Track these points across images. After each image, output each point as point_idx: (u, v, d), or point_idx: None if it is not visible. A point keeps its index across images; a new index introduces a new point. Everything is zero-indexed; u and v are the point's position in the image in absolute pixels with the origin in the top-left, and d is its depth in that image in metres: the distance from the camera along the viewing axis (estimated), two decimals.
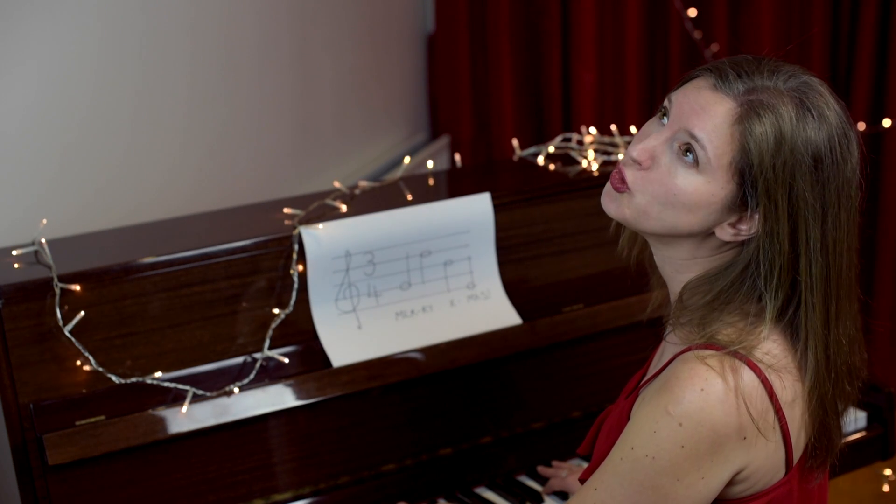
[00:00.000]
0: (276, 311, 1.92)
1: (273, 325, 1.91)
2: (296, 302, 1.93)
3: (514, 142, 2.53)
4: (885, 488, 2.63)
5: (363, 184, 2.16)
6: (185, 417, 1.81)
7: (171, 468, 1.82)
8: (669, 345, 1.53)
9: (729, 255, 1.46)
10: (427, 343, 1.99)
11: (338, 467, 1.93)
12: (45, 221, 1.93)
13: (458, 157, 3.01)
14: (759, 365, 1.40)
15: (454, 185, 2.37)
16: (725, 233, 1.44)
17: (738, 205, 1.41)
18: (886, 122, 3.53)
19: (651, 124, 1.47)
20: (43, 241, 1.85)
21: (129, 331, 1.83)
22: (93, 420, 1.77)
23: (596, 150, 2.33)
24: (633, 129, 2.43)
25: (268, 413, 1.87)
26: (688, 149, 1.41)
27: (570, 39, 3.66)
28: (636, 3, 3.64)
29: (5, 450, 1.77)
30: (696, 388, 1.38)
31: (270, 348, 1.91)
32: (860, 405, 2.20)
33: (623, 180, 1.45)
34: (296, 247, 1.93)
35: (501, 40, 3.63)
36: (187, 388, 1.83)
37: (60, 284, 1.76)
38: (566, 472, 2.00)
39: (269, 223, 1.98)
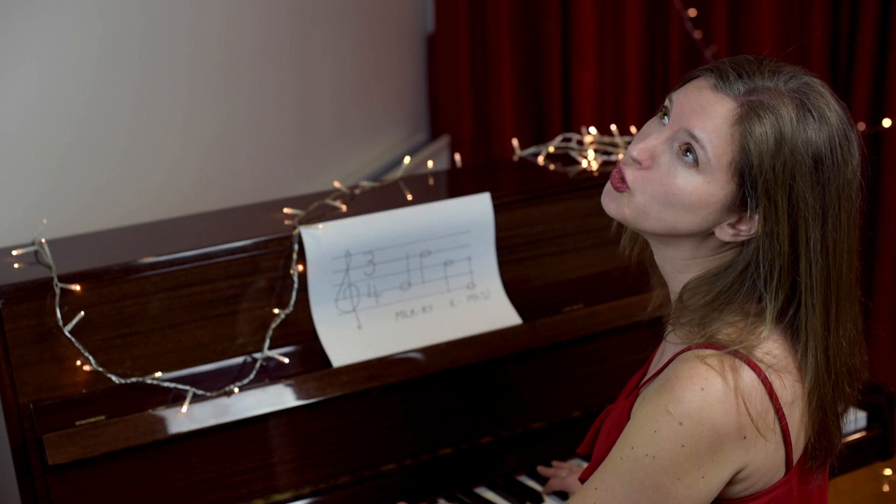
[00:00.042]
0: (276, 311, 1.92)
1: (273, 325, 1.91)
2: (296, 302, 1.93)
3: (514, 142, 2.53)
4: (885, 488, 2.63)
5: (363, 184, 2.16)
6: (185, 417, 1.81)
7: (171, 468, 1.82)
8: (669, 344, 1.53)
9: (729, 256, 1.46)
10: (427, 343, 1.99)
11: (338, 467, 1.93)
12: (45, 221, 1.93)
13: (458, 157, 3.01)
14: (760, 365, 1.40)
15: (454, 185, 2.37)
16: (725, 233, 1.44)
17: (738, 205, 1.41)
18: (886, 122, 3.53)
19: (652, 124, 1.47)
20: (43, 241, 1.85)
21: (129, 331, 1.83)
22: (93, 420, 1.77)
23: (596, 150, 2.33)
24: (633, 129, 2.44)
25: (268, 413, 1.87)
26: (688, 149, 1.41)
27: (570, 39, 3.66)
28: (636, 3, 3.64)
29: (5, 450, 1.77)
30: (697, 387, 1.38)
31: (270, 348, 1.91)
32: (860, 405, 2.20)
33: (623, 180, 1.45)
34: (296, 247, 1.93)
35: (501, 40, 3.63)
36: (187, 388, 1.83)
37: (60, 284, 1.76)
38: (566, 472, 2.00)
39: (269, 223, 1.98)
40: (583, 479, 1.55)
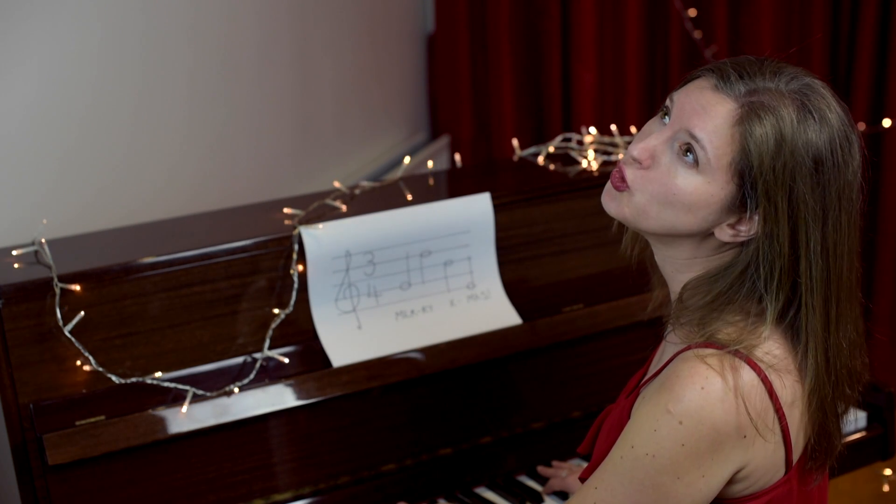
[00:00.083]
0: (276, 311, 1.92)
1: (273, 325, 1.91)
2: (296, 302, 1.93)
3: (514, 142, 2.53)
4: (885, 488, 2.63)
5: (363, 184, 2.16)
6: (185, 417, 1.81)
7: (171, 468, 1.82)
8: (670, 344, 1.53)
9: (729, 256, 1.46)
10: (427, 343, 1.99)
11: (338, 467, 1.93)
12: (45, 221, 1.93)
13: (458, 157, 3.01)
14: (760, 364, 1.40)
15: (454, 185, 2.37)
16: (724, 233, 1.44)
17: (738, 206, 1.41)
18: (886, 122, 3.53)
19: (652, 123, 1.47)
20: (43, 241, 1.85)
21: (129, 331, 1.83)
22: (93, 420, 1.77)
23: (596, 150, 2.33)
24: (633, 129, 2.44)
25: (268, 413, 1.87)
26: (688, 149, 1.41)
27: (570, 39, 3.66)
28: (636, 3, 3.64)
29: (5, 450, 1.77)
30: (697, 386, 1.38)
31: (270, 348, 1.91)
32: (860, 405, 2.20)
33: (623, 179, 1.45)
34: (296, 247, 1.93)
35: (501, 40, 3.63)
36: (187, 388, 1.83)
37: (60, 284, 1.76)
38: (566, 472, 2.00)
39: (269, 223, 1.98)
40: (583, 479, 1.55)
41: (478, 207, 2.07)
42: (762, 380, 1.40)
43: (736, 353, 1.40)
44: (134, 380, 1.81)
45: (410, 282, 2.04)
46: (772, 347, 1.42)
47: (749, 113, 1.38)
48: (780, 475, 1.45)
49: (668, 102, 1.45)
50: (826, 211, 1.39)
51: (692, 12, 3.59)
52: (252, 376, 1.88)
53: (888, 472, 2.58)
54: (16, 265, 1.82)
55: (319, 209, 2.02)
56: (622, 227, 1.61)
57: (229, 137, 2.70)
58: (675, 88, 1.47)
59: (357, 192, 2.13)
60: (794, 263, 1.41)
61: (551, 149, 2.37)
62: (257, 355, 1.90)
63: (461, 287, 2.08)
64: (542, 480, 2.04)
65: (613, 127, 2.46)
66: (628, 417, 1.48)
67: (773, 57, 1.45)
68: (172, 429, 1.80)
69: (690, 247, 1.48)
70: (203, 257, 1.87)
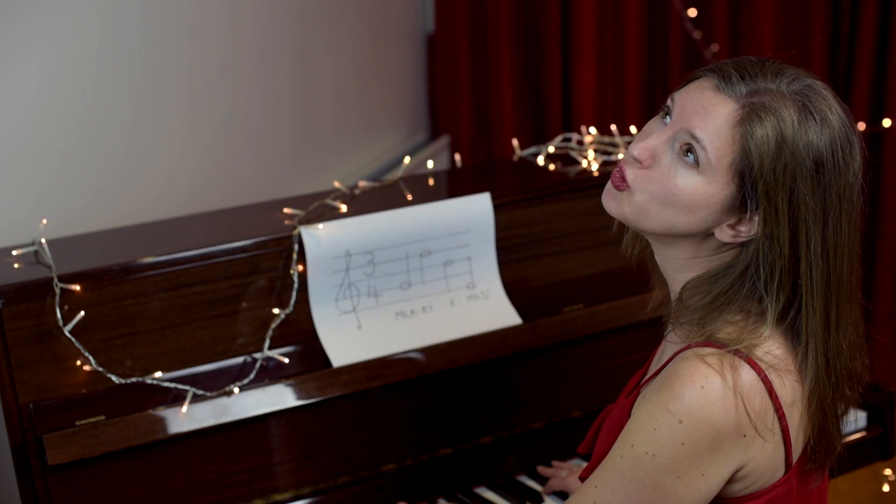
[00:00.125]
0: (276, 311, 1.92)
1: (273, 325, 1.91)
2: (296, 302, 1.93)
3: (514, 142, 2.53)
4: (885, 488, 2.63)
5: (363, 184, 2.16)
6: (185, 417, 1.81)
7: (171, 468, 1.82)
8: (670, 344, 1.53)
9: (729, 256, 1.46)
10: (427, 343, 1.99)
11: (338, 467, 1.93)
12: (45, 221, 1.93)
13: (458, 157, 3.01)
14: (760, 364, 1.40)
15: (454, 185, 2.37)
16: (724, 234, 1.44)
17: (738, 206, 1.41)
18: (886, 122, 3.53)
19: (653, 123, 1.47)
20: (43, 241, 1.85)
21: (129, 331, 1.83)
22: (93, 420, 1.77)
23: (596, 150, 2.33)
24: (633, 129, 2.44)
25: (268, 413, 1.87)
26: (689, 149, 1.41)
27: (570, 39, 3.66)
28: (636, 3, 3.64)
29: (5, 450, 1.77)
30: (697, 385, 1.38)
31: (270, 348, 1.91)
32: (860, 405, 2.20)
33: (623, 178, 1.45)
34: (296, 247, 1.93)
35: (501, 40, 3.63)
36: (187, 388, 1.83)
37: (60, 284, 1.76)
38: (566, 472, 2.00)
39: (269, 223, 1.98)
40: (583, 478, 1.55)
41: (478, 207, 2.07)
42: (762, 379, 1.40)
43: (736, 353, 1.40)
44: (134, 380, 1.81)
45: (410, 282, 2.04)
46: (772, 347, 1.42)
47: (750, 114, 1.38)
48: (780, 475, 1.45)
49: (669, 102, 1.45)
50: (826, 212, 1.39)
51: (692, 12, 3.59)
52: (252, 376, 1.88)
53: (888, 472, 2.58)
54: (16, 265, 1.82)
55: (319, 209, 2.02)
56: (622, 226, 1.61)
57: (229, 137, 2.70)
58: (676, 88, 1.46)
59: (357, 192, 2.13)
60: (794, 265, 1.41)
61: (551, 149, 2.37)
62: (257, 355, 1.90)
63: (461, 287, 2.08)
64: (542, 480, 2.04)
65: (613, 127, 2.46)
66: (628, 417, 1.48)
67: (774, 58, 1.45)
68: (172, 429, 1.80)
69: (690, 247, 1.48)
70: (203, 257, 1.87)
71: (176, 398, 1.83)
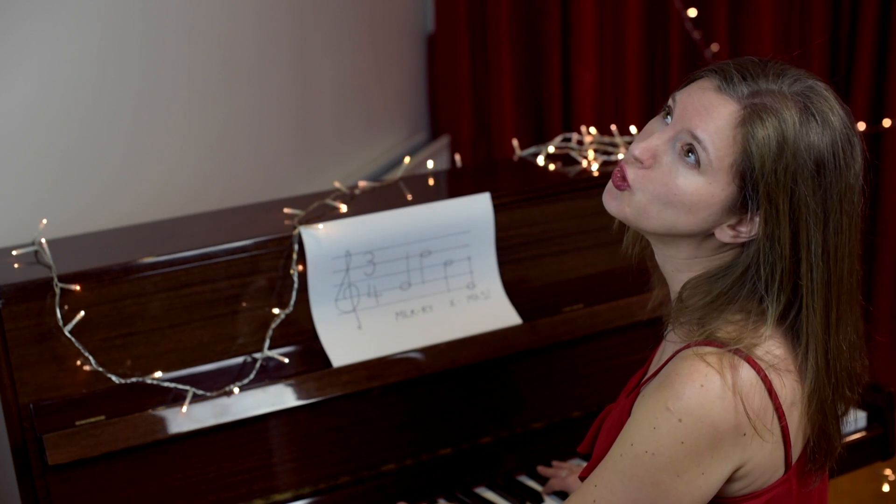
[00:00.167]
0: (276, 311, 1.92)
1: (273, 325, 1.91)
2: (296, 302, 1.93)
3: (514, 142, 2.53)
4: (885, 488, 2.63)
5: (363, 184, 2.16)
6: (185, 417, 1.81)
7: (171, 468, 1.82)
8: (669, 343, 1.53)
9: (730, 256, 1.46)
10: (427, 343, 1.99)
11: (338, 467, 1.93)
12: (45, 221, 1.93)
13: (458, 157, 3.01)
14: (760, 363, 1.40)
15: (454, 185, 2.37)
16: (725, 234, 1.44)
17: (739, 207, 1.41)
18: (886, 123, 3.53)
19: (654, 123, 1.47)
20: (43, 241, 1.85)
21: (129, 331, 1.83)
22: (93, 420, 1.77)
23: (596, 150, 2.33)
24: (633, 129, 2.43)
25: (268, 413, 1.87)
26: (690, 149, 1.41)
27: (570, 39, 3.66)
28: (636, 3, 3.64)
29: (5, 450, 1.77)
30: (696, 384, 1.38)
31: (270, 348, 1.91)
32: (860, 405, 2.20)
33: (624, 178, 1.45)
34: (296, 247, 1.93)
35: (501, 40, 3.63)
36: (187, 388, 1.83)
37: (60, 284, 1.76)
38: (566, 472, 2.00)
39: (269, 223, 1.98)
40: (583, 478, 1.55)
41: (478, 207, 2.07)
42: (762, 378, 1.40)
43: (736, 352, 1.40)
44: (134, 380, 1.81)
45: (410, 282, 2.04)
46: (772, 347, 1.43)
47: (752, 115, 1.38)
48: (780, 474, 1.45)
49: (670, 102, 1.45)
50: (827, 213, 1.39)
51: (692, 12, 3.59)
52: (252, 376, 1.88)
53: (888, 472, 2.58)
54: (16, 265, 1.82)
55: (319, 209, 2.02)
56: (623, 226, 1.61)
57: (229, 137, 2.70)
58: (677, 88, 1.46)
59: (357, 192, 2.13)
60: (795, 266, 1.41)
61: (551, 149, 2.37)
62: (257, 355, 1.90)
63: (461, 287, 2.08)
64: (542, 480, 2.04)
65: (613, 127, 2.46)
66: (628, 416, 1.48)
67: (775, 58, 1.45)
68: (172, 429, 1.80)
69: (691, 247, 1.48)
70: (203, 257, 1.87)
71: (176, 398, 1.83)
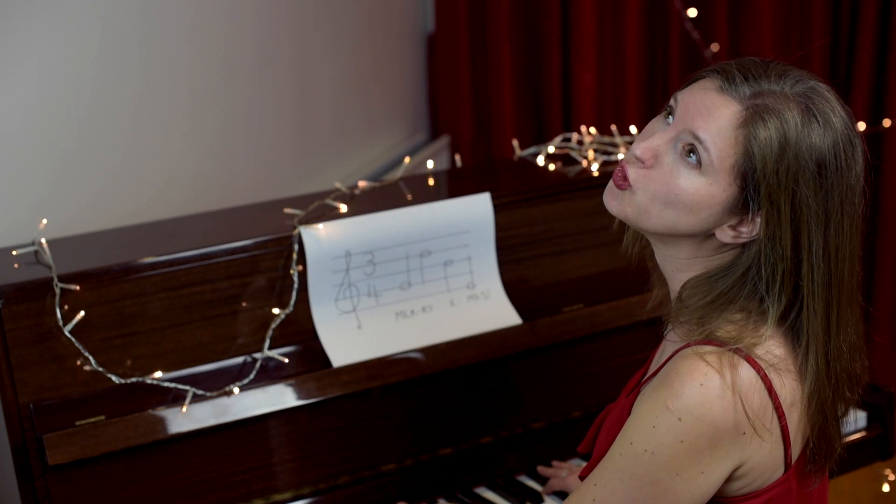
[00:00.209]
0: (276, 311, 1.92)
1: (273, 325, 1.91)
2: (296, 302, 1.93)
3: (514, 142, 2.53)
4: (885, 488, 2.63)
5: (363, 184, 2.16)
6: (185, 417, 1.81)
7: (171, 468, 1.82)
8: (669, 343, 1.53)
9: (730, 256, 1.46)
10: (427, 343, 1.99)
11: (338, 467, 1.93)
12: (45, 221, 1.93)
13: (458, 157, 3.02)
14: (760, 362, 1.40)
15: (454, 185, 2.37)
16: (725, 234, 1.44)
17: (740, 208, 1.41)
18: (886, 123, 3.53)
19: (656, 122, 1.47)
20: (43, 241, 1.85)
21: (129, 331, 1.83)
22: (93, 420, 1.77)
23: (596, 150, 2.33)
24: (633, 129, 2.43)
25: (268, 413, 1.87)
26: (691, 150, 1.41)
27: (570, 39, 3.66)
28: (636, 3, 3.65)
29: (5, 450, 1.77)
30: (696, 383, 1.38)
31: (270, 348, 1.91)
32: (860, 405, 2.20)
33: (625, 177, 1.45)
34: (296, 247, 1.93)
35: (501, 40, 3.63)
36: (187, 388, 1.83)
37: (60, 284, 1.76)
38: (566, 472, 2.00)
39: (269, 223, 1.98)
40: (582, 477, 1.55)
41: (478, 207, 2.07)
42: (762, 378, 1.40)
43: (736, 351, 1.40)
44: (134, 380, 1.81)
45: (410, 282, 2.04)
46: (772, 347, 1.43)
47: (753, 116, 1.38)
48: (779, 474, 1.45)
49: (671, 102, 1.45)
50: (828, 215, 1.39)
51: (692, 12, 3.59)
52: (252, 376, 1.88)
53: (888, 472, 2.58)
54: (16, 265, 1.82)
55: (319, 209, 2.02)
56: (623, 225, 1.61)
57: (229, 137, 2.70)
58: (679, 88, 1.46)
59: (357, 192, 2.13)
60: (796, 267, 1.41)
61: (551, 149, 2.37)
62: (257, 355, 1.90)
63: (461, 287, 2.08)
64: (542, 480, 2.04)
65: (613, 127, 2.46)
66: (628, 416, 1.48)
67: (777, 59, 1.45)
68: (172, 429, 1.80)
69: (691, 247, 1.48)
70: (203, 257, 1.87)
71: (176, 398, 1.83)
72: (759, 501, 1.46)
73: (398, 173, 2.21)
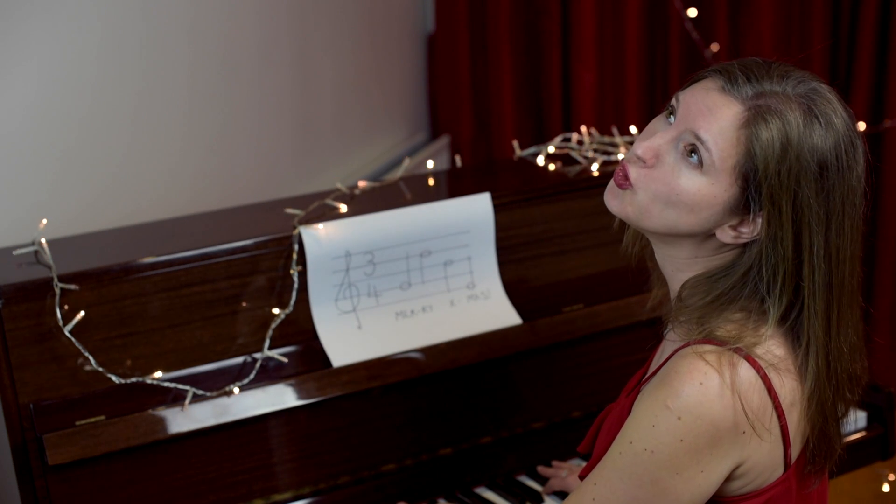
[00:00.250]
0: (276, 311, 1.92)
1: (273, 325, 1.91)
2: (296, 302, 1.93)
3: (514, 142, 2.53)
4: (885, 488, 2.63)
5: (363, 184, 2.16)
6: (185, 417, 1.81)
7: (171, 468, 1.82)
8: (669, 342, 1.53)
9: (730, 256, 1.46)
10: (427, 343, 1.99)
11: (338, 467, 1.93)
12: (45, 221, 1.93)
13: (458, 157, 3.02)
14: (759, 361, 1.40)
15: (454, 185, 2.37)
16: (726, 235, 1.44)
17: (741, 208, 1.41)
18: (887, 123, 3.53)
19: (657, 122, 1.47)
20: (43, 241, 1.85)
21: (129, 331, 1.83)
22: (93, 420, 1.77)
23: (596, 150, 2.33)
24: (633, 129, 2.43)
25: (268, 413, 1.87)
26: (692, 150, 1.41)
27: (570, 39, 3.66)
28: (636, 3, 3.65)
29: (5, 450, 1.77)
30: (695, 382, 1.38)
31: (270, 348, 1.91)
32: (860, 405, 2.20)
33: (626, 177, 1.45)
34: (296, 247, 1.93)
35: (501, 40, 3.64)
36: (187, 388, 1.83)
37: (60, 284, 1.76)
38: (566, 472, 2.00)
39: (269, 223, 1.98)
40: (582, 477, 1.55)
41: (478, 207, 2.07)
42: (761, 377, 1.40)
43: (736, 351, 1.40)
44: (134, 380, 1.81)
45: (410, 282, 2.04)
46: (773, 347, 1.43)
47: (756, 116, 1.38)
48: (779, 473, 1.45)
49: (673, 101, 1.45)
50: (830, 216, 1.39)
51: (692, 12, 3.59)
52: (252, 376, 1.88)
53: (888, 472, 2.58)
54: (16, 265, 1.82)
55: (319, 209, 2.02)
56: (623, 224, 1.61)
57: (229, 137, 2.70)
58: (681, 88, 1.46)
59: (357, 192, 2.13)
60: (797, 267, 1.41)
61: (551, 149, 2.37)
62: (257, 355, 1.90)
63: (461, 287, 2.08)
64: (542, 480, 2.04)
65: (613, 127, 2.46)
66: (629, 416, 1.48)
67: (779, 60, 1.45)
68: (172, 429, 1.80)
69: (691, 246, 1.48)
70: (203, 257, 1.87)
71: (176, 398, 1.83)
72: (759, 501, 1.46)
73: (398, 173, 2.21)
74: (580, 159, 2.30)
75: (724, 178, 1.40)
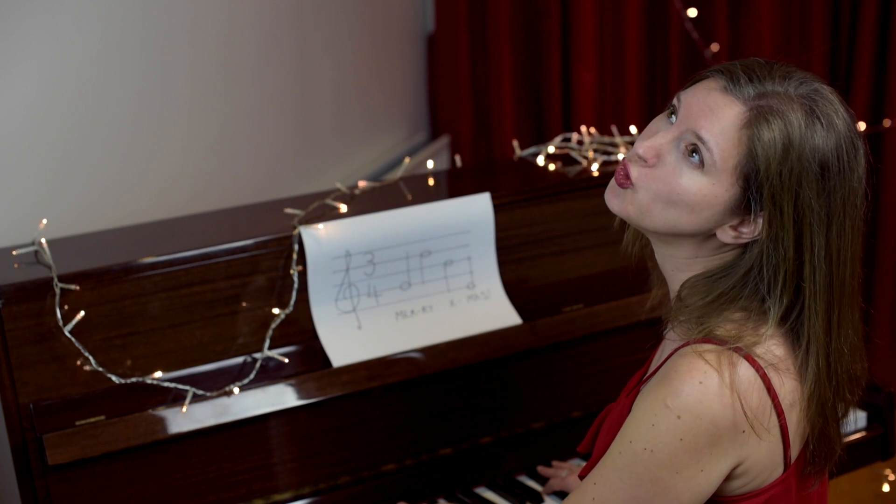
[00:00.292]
0: (276, 311, 1.92)
1: (273, 325, 1.91)
2: (296, 302, 1.93)
3: (514, 142, 2.53)
4: (885, 488, 2.63)
5: (363, 184, 2.16)
6: (185, 417, 1.81)
7: (171, 468, 1.82)
8: (669, 342, 1.53)
9: (730, 256, 1.46)
10: (427, 343, 1.99)
11: (338, 467, 1.93)
12: (45, 221, 1.93)
13: (458, 157, 3.02)
14: (759, 361, 1.40)
15: (454, 185, 2.37)
16: (726, 235, 1.44)
17: (742, 208, 1.41)
18: (886, 123, 3.53)
19: (658, 121, 1.46)
20: (43, 241, 1.85)
21: (129, 331, 1.83)
22: (93, 420, 1.77)
23: (596, 150, 2.33)
24: (633, 129, 2.43)
25: (268, 413, 1.87)
26: (694, 149, 1.41)
27: (570, 39, 3.66)
28: (636, 3, 3.65)
29: (5, 450, 1.77)
30: (695, 381, 1.38)
31: (270, 348, 1.91)
32: (860, 405, 2.20)
33: (627, 176, 1.45)
34: (296, 247, 1.93)
35: (501, 40, 3.64)
36: (187, 388, 1.83)
37: (60, 284, 1.76)
38: (566, 472, 2.00)
39: (269, 223, 1.98)
40: (582, 476, 1.55)
41: (478, 207, 2.07)
42: (761, 377, 1.40)
43: (735, 350, 1.40)
44: (134, 380, 1.81)
45: (410, 282, 2.04)
46: (772, 347, 1.43)
47: (757, 116, 1.38)
48: (779, 473, 1.45)
49: (675, 101, 1.45)
50: (831, 217, 1.39)
51: (692, 12, 3.59)
52: (252, 376, 1.88)
53: (888, 472, 2.58)
54: (16, 265, 1.82)
55: (319, 209, 2.02)
56: (623, 224, 1.61)
57: (229, 137, 2.70)
58: (682, 87, 1.46)
59: (357, 192, 2.13)
60: (797, 268, 1.41)
61: (551, 149, 2.37)
62: (257, 355, 1.90)
63: (461, 287, 2.08)
64: (542, 480, 2.04)
65: (613, 127, 2.46)
66: (628, 415, 1.48)
67: (780, 60, 1.45)
68: (172, 429, 1.80)
69: (692, 246, 1.48)
70: (203, 257, 1.87)
71: (176, 398, 1.83)
72: (759, 500, 1.46)
73: (398, 173, 2.21)
74: (580, 159, 2.30)
75: (725, 179, 1.40)
